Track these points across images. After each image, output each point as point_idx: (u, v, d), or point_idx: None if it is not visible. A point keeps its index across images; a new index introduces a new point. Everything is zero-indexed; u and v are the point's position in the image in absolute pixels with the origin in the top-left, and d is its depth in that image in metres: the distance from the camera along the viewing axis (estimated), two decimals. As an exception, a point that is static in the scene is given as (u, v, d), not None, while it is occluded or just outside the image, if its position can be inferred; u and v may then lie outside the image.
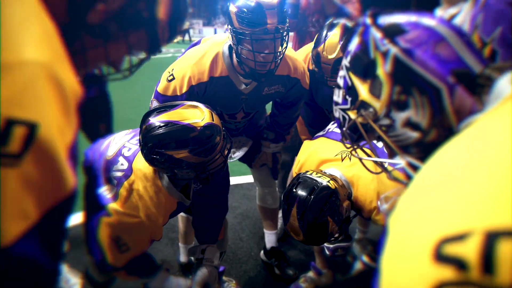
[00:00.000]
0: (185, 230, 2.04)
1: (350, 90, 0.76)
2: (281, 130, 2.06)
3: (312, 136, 1.85)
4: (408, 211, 0.37)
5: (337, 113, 0.82)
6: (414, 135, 0.68)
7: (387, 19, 0.73)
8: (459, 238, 0.30)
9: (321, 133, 1.73)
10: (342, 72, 0.78)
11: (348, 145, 0.84)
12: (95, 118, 2.23)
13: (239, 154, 2.02)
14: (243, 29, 1.58)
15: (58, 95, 0.52)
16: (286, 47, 1.66)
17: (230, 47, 1.71)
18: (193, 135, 1.27)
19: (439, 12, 2.47)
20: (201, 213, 1.74)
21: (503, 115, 0.39)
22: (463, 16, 2.17)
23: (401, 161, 0.71)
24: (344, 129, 0.81)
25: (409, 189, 0.39)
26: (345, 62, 0.77)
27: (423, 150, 0.69)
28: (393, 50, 0.67)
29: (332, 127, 1.72)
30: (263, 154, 2.08)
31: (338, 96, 0.80)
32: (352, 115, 0.76)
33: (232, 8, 1.61)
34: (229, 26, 1.64)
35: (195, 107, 1.35)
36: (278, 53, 1.63)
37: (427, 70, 0.64)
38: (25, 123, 0.47)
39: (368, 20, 0.73)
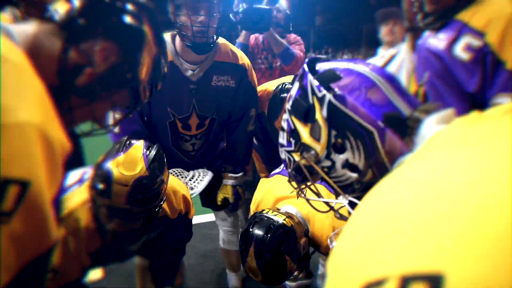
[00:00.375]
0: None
1: (293, 133, 0.79)
2: (239, 157, 2.03)
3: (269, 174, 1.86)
4: (339, 254, 0.38)
5: (283, 155, 0.85)
6: (353, 175, 0.72)
7: (323, 66, 0.78)
8: (378, 283, 0.31)
9: (277, 170, 1.75)
10: (285, 116, 0.82)
11: (295, 186, 0.86)
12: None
13: (197, 190, 1.92)
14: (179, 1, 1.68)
15: (49, 153, 0.58)
16: (221, 12, 1.75)
17: (173, 37, 1.81)
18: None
19: (381, 51, 2.64)
20: (157, 254, 1.69)
21: (423, 158, 0.42)
22: (401, 56, 2.35)
23: (343, 200, 0.74)
24: (289, 170, 0.83)
25: (343, 232, 0.40)
26: (288, 106, 0.81)
27: (362, 189, 0.73)
28: (328, 96, 0.71)
29: None
30: (223, 187, 2.02)
31: (283, 138, 0.83)
32: (296, 157, 0.79)
33: None
34: (170, 8, 1.74)
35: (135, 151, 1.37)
36: (214, 16, 1.71)
37: (359, 115, 0.69)
38: (18, 182, 0.52)
39: (306, 67, 0.77)
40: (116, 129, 1.69)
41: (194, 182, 1.95)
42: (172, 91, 1.77)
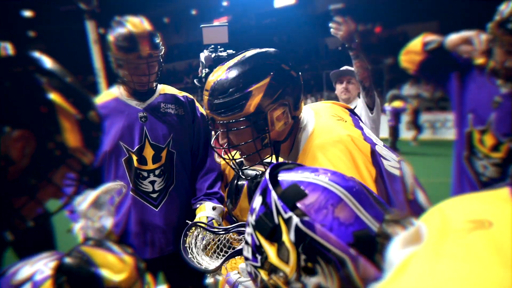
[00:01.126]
0: None
1: (259, 249, 0.74)
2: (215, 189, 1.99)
3: None
4: None
5: (248, 268, 0.79)
6: None
7: (286, 177, 0.74)
8: None
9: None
10: (249, 229, 0.77)
11: None
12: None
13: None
14: (120, 55, 1.86)
15: None
16: (161, 69, 1.95)
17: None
18: None
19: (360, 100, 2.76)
20: None
21: None
22: (359, 111, 2.55)
23: None
24: (257, 286, 0.77)
25: None
26: (251, 219, 0.76)
27: None
28: (295, 220, 0.67)
29: None
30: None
31: (247, 252, 0.78)
32: (264, 275, 0.74)
33: (110, 38, 1.87)
34: (110, 54, 1.90)
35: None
36: (154, 74, 1.91)
37: (329, 242, 0.65)
38: None
39: (269, 182, 0.73)
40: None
41: None
42: (121, 123, 1.87)
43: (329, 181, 0.71)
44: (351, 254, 0.64)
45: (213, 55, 1.96)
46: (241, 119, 1.17)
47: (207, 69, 2.06)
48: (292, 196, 0.70)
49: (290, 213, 0.68)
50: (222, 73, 1.19)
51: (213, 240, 1.49)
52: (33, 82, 0.80)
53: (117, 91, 1.97)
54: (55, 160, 0.82)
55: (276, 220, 0.70)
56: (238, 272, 1.09)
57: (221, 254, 1.46)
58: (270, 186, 0.72)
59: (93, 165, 0.92)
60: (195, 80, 2.12)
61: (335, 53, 18.68)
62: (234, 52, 2.07)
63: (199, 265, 1.40)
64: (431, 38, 1.98)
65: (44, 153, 0.79)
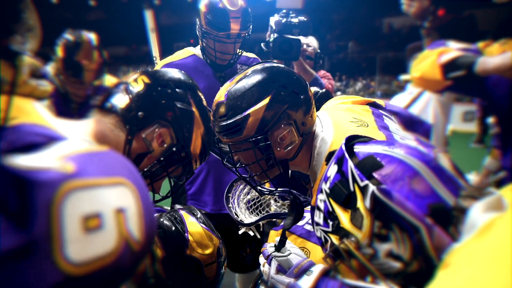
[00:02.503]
0: None
1: (331, 215, 0.77)
2: None
3: None
4: None
5: (318, 233, 0.83)
6: (397, 265, 0.70)
7: (362, 149, 0.76)
8: None
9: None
10: (322, 196, 0.80)
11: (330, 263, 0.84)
12: None
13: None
14: (209, 30, 1.80)
15: None
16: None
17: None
18: None
19: (410, 87, 2.60)
20: None
21: (479, 252, 0.46)
22: (428, 94, 2.32)
23: (385, 287, 0.71)
24: (326, 250, 0.81)
25: None
26: (325, 187, 0.79)
27: (405, 278, 0.70)
28: (371, 188, 0.69)
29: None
30: None
31: (318, 217, 0.81)
32: (335, 239, 0.77)
33: (202, 8, 1.82)
34: (198, 21, 1.86)
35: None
36: (236, 55, 1.88)
37: (405, 211, 0.67)
38: None
39: (346, 152, 0.76)
40: None
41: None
42: (201, 84, 1.81)
43: (406, 154, 0.72)
44: (426, 222, 0.66)
45: (283, 20, 1.92)
46: (243, 141, 1.16)
47: (275, 34, 2.05)
48: (369, 166, 0.72)
49: (366, 181, 0.70)
50: (223, 94, 1.17)
51: (257, 198, 1.55)
52: (182, 96, 0.99)
53: (196, 50, 1.95)
54: (179, 160, 0.99)
55: (351, 188, 0.72)
56: (275, 245, 1.11)
57: (262, 213, 1.50)
58: (347, 155, 0.75)
59: (192, 174, 1.06)
60: (262, 44, 2.11)
61: (394, 34, 17.84)
62: (305, 19, 2.03)
63: (235, 216, 1.48)
64: (449, 57, 1.53)
65: (174, 151, 0.97)
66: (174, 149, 0.97)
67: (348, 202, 0.73)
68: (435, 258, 0.66)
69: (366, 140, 0.82)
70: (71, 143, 0.52)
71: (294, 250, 1.09)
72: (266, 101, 1.13)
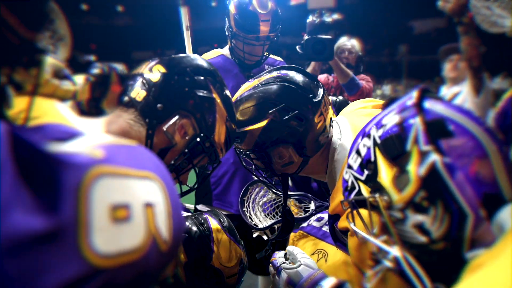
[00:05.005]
0: None
1: (371, 164, 0.69)
2: None
3: None
4: None
5: (347, 176, 0.75)
6: (422, 239, 0.64)
7: (434, 107, 0.66)
8: None
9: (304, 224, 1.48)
10: (368, 142, 0.71)
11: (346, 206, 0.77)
12: None
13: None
14: (238, 31, 1.79)
15: None
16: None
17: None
18: None
19: (444, 89, 2.53)
20: None
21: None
22: (463, 97, 2.22)
23: (397, 252, 0.65)
24: (350, 198, 0.74)
25: None
26: (376, 134, 0.70)
27: (424, 252, 0.64)
28: (434, 157, 0.62)
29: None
30: None
31: (354, 161, 0.73)
32: (365, 191, 0.70)
33: (232, 9, 1.81)
34: (227, 22, 1.85)
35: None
36: (264, 56, 1.89)
37: (461, 194, 0.60)
38: None
39: (415, 104, 0.66)
40: None
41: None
42: (230, 83, 1.81)
43: (481, 130, 0.64)
44: (478, 213, 0.59)
45: (317, 20, 1.90)
46: (247, 150, 1.19)
47: (306, 36, 2.03)
48: (437, 130, 0.63)
49: (429, 147, 0.62)
50: (237, 96, 1.20)
51: (274, 200, 1.51)
52: (201, 83, 0.95)
53: (224, 50, 1.98)
54: (204, 150, 0.95)
55: (408, 147, 0.64)
56: (285, 255, 1.07)
57: (277, 217, 1.47)
58: (417, 111, 0.65)
59: (219, 163, 1.03)
60: (297, 47, 2.10)
61: (422, 37, 17.44)
62: (340, 18, 2.00)
63: (249, 220, 1.45)
64: None
65: (197, 142, 0.93)
66: (197, 139, 0.92)
67: (397, 160, 0.65)
68: (465, 250, 0.60)
69: (439, 97, 0.70)
70: (98, 135, 0.50)
71: (304, 261, 1.05)
72: (262, 123, 1.12)
